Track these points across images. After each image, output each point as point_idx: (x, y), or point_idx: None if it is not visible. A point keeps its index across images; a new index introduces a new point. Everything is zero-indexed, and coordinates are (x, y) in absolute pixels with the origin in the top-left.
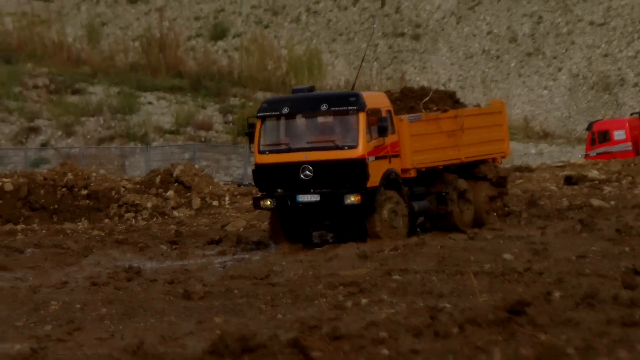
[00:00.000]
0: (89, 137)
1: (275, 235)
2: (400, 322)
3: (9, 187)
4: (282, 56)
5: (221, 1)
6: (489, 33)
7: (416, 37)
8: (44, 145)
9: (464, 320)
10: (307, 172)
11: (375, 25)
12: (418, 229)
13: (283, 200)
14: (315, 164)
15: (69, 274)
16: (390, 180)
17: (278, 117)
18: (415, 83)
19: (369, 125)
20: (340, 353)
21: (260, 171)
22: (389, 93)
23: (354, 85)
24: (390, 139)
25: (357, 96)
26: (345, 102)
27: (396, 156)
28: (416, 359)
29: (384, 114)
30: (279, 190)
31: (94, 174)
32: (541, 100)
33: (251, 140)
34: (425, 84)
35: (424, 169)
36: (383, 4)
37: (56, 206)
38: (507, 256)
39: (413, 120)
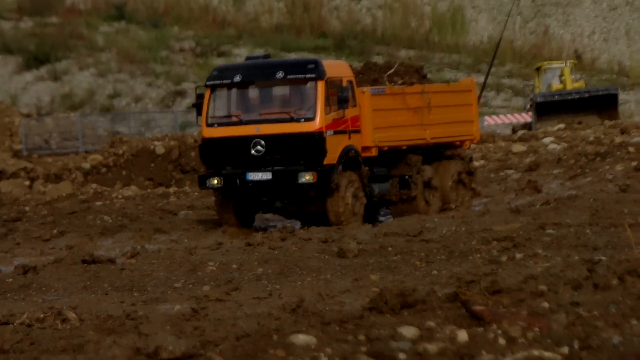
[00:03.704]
0: None
1: (225, 218)
2: (558, 275)
3: (160, 150)
4: (425, 13)
5: None
6: None
7: None
8: (191, 108)
9: (623, 272)
10: (259, 147)
11: None
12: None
13: (231, 178)
14: (267, 137)
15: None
16: (350, 158)
17: (229, 87)
18: (558, 37)
19: (328, 96)
20: (500, 306)
21: (208, 146)
22: (350, 67)
23: (499, 41)
24: (350, 112)
25: (316, 63)
26: (303, 69)
27: (356, 132)
28: (578, 311)
29: (344, 84)
30: (227, 168)
31: None
32: None
33: (199, 112)
34: (568, 37)
35: (386, 148)
36: None
37: None
38: None
39: (376, 93)
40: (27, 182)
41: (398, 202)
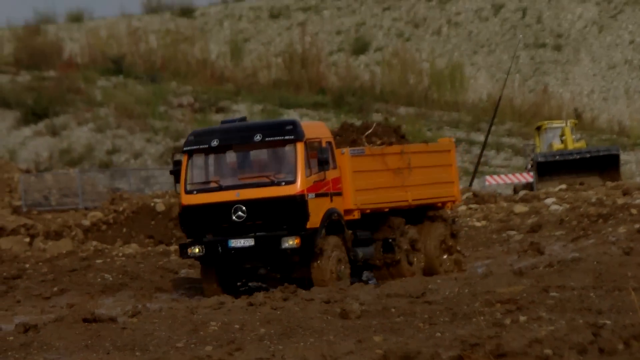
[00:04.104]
0: None
1: (208, 288)
2: (563, 338)
3: (160, 207)
4: (424, 70)
5: (362, 15)
6: (631, 42)
7: (558, 48)
8: None
9: (628, 336)
10: (240, 213)
11: (521, 36)
12: (364, 278)
13: (213, 246)
14: (248, 203)
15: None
16: (332, 222)
17: (206, 152)
18: (558, 95)
19: (307, 157)
20: None
21: (188, 214)
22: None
23: (499, 99)
24: (331, 174)
25: (294, 124)
26: (281, 131)
27: (338, 194)
28: None
29: (324, 145)
30: (208, 235)
31: None
32: None
33: (177, 180)
34: (568, 95)
35: (368, 211)
36: (524, 14)
37: None
38: None
39: (356, 154)
40: (27, 239)
41: (382, 266)
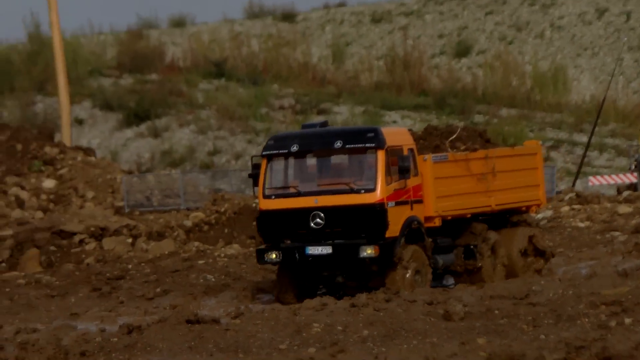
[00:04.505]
0: None
1: (282, 294)
2: None
3: None
4: (527, 72)
5: (464, 19)
6: None
7: None
8: None
9: None
10: (318, 220)
11: (625, 38)
12: (444, 282)
13: (290, 252)
14: (327, 210)
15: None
16: (412, 230)
17: (286, 156)
18: None
19: (388, 165)
20: None
21: (265, 219)
22: (411, 132)
23: (603, 101)
24: (412, 181)
25: (376, 132)
26: (362, 138)
27: (419, 202)
28: None
29: (405, 152)
30: (286, 241)
31: None
32: None
33: (255, 183)
34: None
35: (449, 218)
36: (628, 17)
37: None
38: None
39: (438, 160)
40: (130, 240)
41: (463, 272)
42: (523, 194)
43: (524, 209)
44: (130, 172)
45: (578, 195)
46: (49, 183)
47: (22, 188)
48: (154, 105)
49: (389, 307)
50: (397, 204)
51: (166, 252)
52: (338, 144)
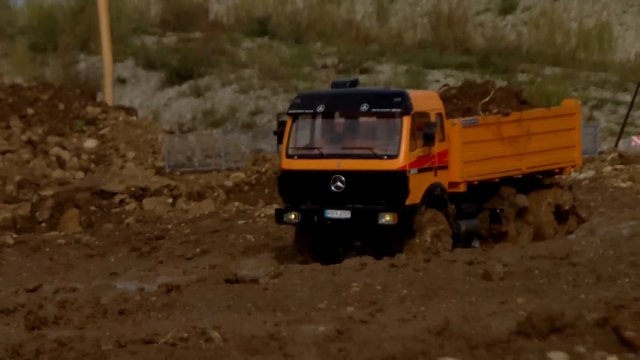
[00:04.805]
0: None
1: (301, 254)
2: None
3: None
4: (572, 30)
5: None
6: None
7: None
8: None
9: None
10: (339, 184)
11: None
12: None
13: (309, 214)
14: (348, 174)
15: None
16: (435, 196)
17: (312, 116)
18: None
19: (414, 131)
20: None
21: (287, 179)
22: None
23: None
24: (438, 147)
25: (403, 96)
26: (389, 102)
27: (444, 168)
28: None
29: (432, 118)
30: (307, 202)
31: None
32: None
33: (280, 141)
34: None
35: (476, 182)
36: None
37: None
38: None
39: (467, 125)
40: (170, 200)
41: (488, 236)
42: (557, 156)
43: (557, 170)
44: (171, 132)
45: (621, 155)
46: (90, 143)
47: (64, 148)
48: (196, 64)
49: (428, 267)
50: (420, 170)
51: (206, 213)
52: (364, 107)
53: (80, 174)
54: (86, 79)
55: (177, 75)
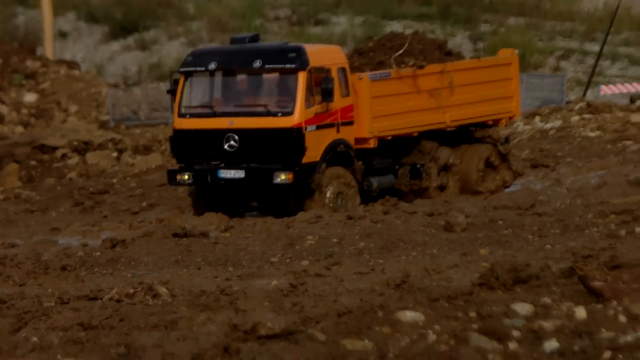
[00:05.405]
0: None
1: (198, 213)
2: None
3: None
4: None
5: None
6: None
7: None
8: None
9: None
10: (232, 143)
11: None
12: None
13: (202, 175)
14: (241, 132)
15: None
16: (338, 153)
17: (205, 74)
18: None
19: (310, 87)
20: (620, 282)
21: (179, 138)
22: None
23: (616, 8)
24: (340, 102)
25: (299, 51)
26: (283, 58)
27: (349, 123)
28: None
29: (333, 74)
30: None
31: None
32: None
33: (174, 100)
34: None
35: (389, 138)
36: None
37: None
38: None
39: (377, 78)
40: (115, 154)
41: (409, 192)
42: (490, 107)
43: (490, 122)
44: (116, 86)
45: (589, 104)
46: (30, 97)
47: (2, 102)
48: (141, 16)
49: (386, 219)
50: (319, 127)
51: (153, 167)
52: (257, 64)
53: (19, 129)
54: (25, 33)
55: (122, 29)
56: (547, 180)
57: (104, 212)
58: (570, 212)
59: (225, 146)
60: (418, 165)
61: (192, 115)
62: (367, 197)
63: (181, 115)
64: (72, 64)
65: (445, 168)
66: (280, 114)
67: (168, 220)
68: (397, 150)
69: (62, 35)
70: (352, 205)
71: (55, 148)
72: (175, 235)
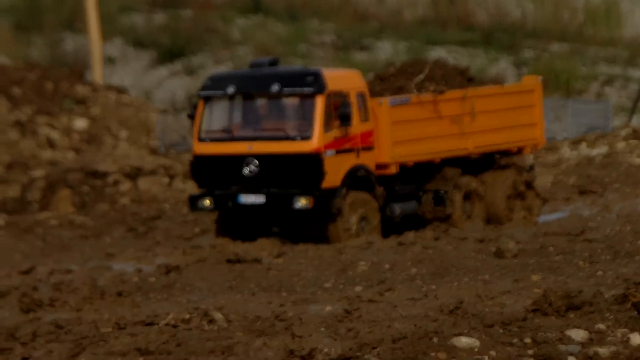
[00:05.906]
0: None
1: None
2: None
3: None
4: (578, 6)
5: None
6: None
7: None
8: None
9: None
10: (252, 167)
11: None
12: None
13: (223, 200)
14: (261, 157)
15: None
16: (358, 178)
17: (224, 98)
18: None
19: (329, 111)
20: None
21: (199, 163)
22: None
23: None
24: (360, 127)
25: (316, 75)
26: (301, 82)
27: (369, 149)
28: None
29: (351, 99)
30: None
31: None
32: None
33: (194, 125)
34: None
35: (411, 164)
36: None
37: None
38: None
39: (396, 104)
40: (166, 180)
41: (432, 219)
42: (513, 135)
43: (514, 150)
44: (165, 112)
45: (634, 130)
46: (80, 123)
47: (54, 128)
48: (188, 42)
49: (437, 245)
50: (339, 152)
51: None
52: (275, 88)
53: (71, 154)
54: (74, 59)
55: (169, 54)
56: (596, 206)
57: (157, 238)
58: (620, 238)
59: (245, 171)
60: (441, 193)
61: (212, 140)
62: (390, 225)
63: (201, 140)
64: (121, 89)
65: (469, 195)
66: (299, 138)
67: (221, 246)
68: (419, 177)
69: (110, 60)
70: (372, 231)
71: (107, 174)
72: (228, 261)
